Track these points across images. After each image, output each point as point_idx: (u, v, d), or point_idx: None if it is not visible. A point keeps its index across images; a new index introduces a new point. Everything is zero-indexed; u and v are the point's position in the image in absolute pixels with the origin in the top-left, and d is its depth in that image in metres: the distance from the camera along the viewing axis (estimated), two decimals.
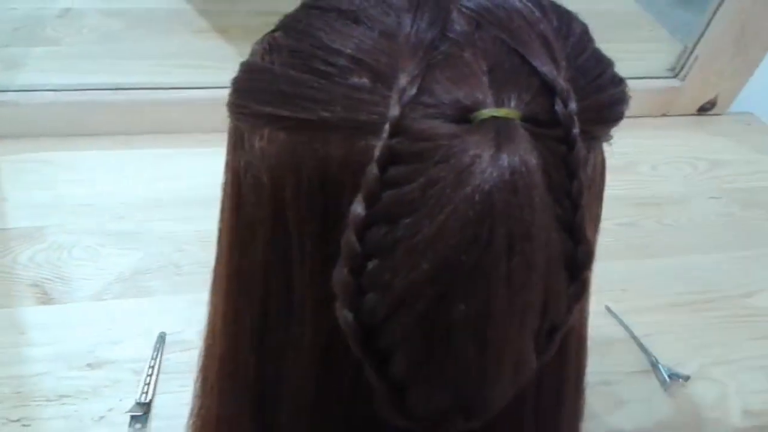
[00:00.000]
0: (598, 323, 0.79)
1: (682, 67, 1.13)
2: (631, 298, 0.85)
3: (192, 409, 0.47)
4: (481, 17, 0.34)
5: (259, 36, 0.38)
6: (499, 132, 0.30)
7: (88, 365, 0.69)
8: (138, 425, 0.64)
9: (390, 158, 0.31)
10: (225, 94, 0.38)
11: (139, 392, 0.67)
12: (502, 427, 0.38)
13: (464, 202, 0.29)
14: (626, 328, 0.80)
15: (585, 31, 0.38)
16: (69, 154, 0.96)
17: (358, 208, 0.31)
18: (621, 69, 0.38)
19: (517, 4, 0.35)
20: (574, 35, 0.36)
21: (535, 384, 0.39)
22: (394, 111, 0.31)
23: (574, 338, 0.43)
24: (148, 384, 0.67)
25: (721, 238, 0.96)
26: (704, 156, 1.11)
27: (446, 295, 0.31)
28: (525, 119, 0.31)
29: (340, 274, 0.32)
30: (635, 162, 1.08)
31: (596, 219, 0.42)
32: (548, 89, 0.32)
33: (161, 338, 0.72)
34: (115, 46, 1.16)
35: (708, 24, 1.07)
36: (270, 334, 0.39)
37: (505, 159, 0.29)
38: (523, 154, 0.29)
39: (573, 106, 0.32)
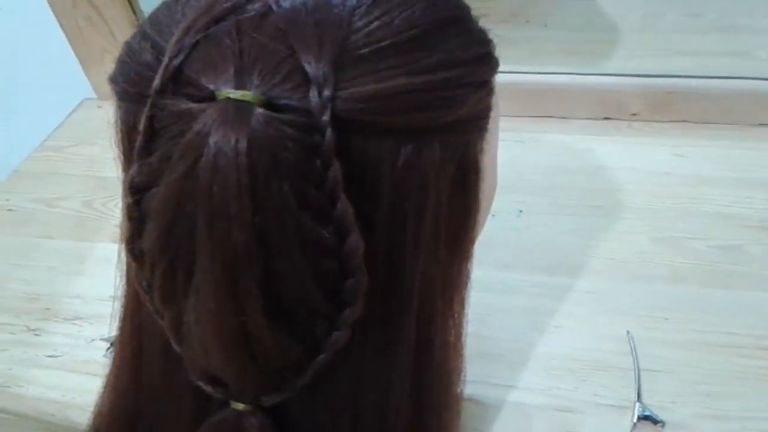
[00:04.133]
0: (604, 347, 0.73)
1: None
2: (668, 328, 0.73)
3: None
4: (278, 5, 0.35)
5: None
6: (223, 113, 0.32)
7: (111, 297, 0.81)
8: (111, 352, 0.69)
9: (152, 130, 0.34)
10: None
11: None
12: (313, 412, 0.40)
13: (179, 178, 0.32)
14: (634, 358, 0.71)
15: (416, 17, 0.37)
16: None
17: (132, 173, 0.35)
18: None
19: None
20: (384, 21, 0.35)
21: (351, 378, 0.40)
22: (155, 85, 0.34)
23: (408, 340, 0.41)
24: None
25: None
26: None
27: (174, 264, 0.35)
28: (267, 104, 0.32)
29: (126, 234, 0.37)
30: None
31: (447, 219, 0.40)
32: (305, 75, 0.33)
33: None
34: None
35: None
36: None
37: (213, 140, 0.31)
38: (234, 137, 0.31)
39: (326, 93, 0.32)
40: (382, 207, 0.35)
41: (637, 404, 0.66)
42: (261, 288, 0.33)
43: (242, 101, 0.31)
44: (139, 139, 0.34)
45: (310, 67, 0.32)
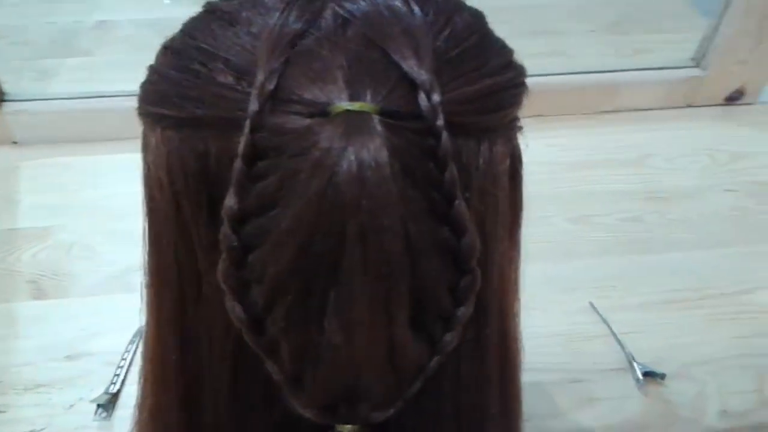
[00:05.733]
0: (578, 320, 0.79)
1: (703, 56, 1.09)
2: (620, 295, 0.83)
3: (136, 400, 0.48)
4: (352, 15, 0.35)
5: None
6: (349, 126, 0.31)
7: (67, 357, 0.73)
8: (104, 414, 0.67)
9: (255, 153, 0.32)
10: None
11: (109, 383, 0.69)
12: (418, 420, 0.40)
13: (316, 195, 0.30)
14: (607, 324, 0.79)
15: (470, 23, 0.38)
16: (87, 158, 1.00)
17: (230, 201, 0.32)
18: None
19: (390, 1, 0.36)
20: (452, 28, 0.37)
21: (453, 379, 0.40)
22: (253, 106, 0.32)
23: (494, 334, 0.42)
24: (118, 375, 0.70)
25: (727, 233, 0.92)
26: (726, 147, 1.06)
27: (310, 284, 0.32)
28: (382, 112, 0.32)
29: (222, 266, 0.33)
30: (648, 154, 1.04)
31: (508, 213, 0.41)
32: (410, 82, 0.33)
33: (139, 332, 0.74)
34: (146, 56, 1.21)
35: (725, 11, 1.03)
36: (188, 323, 0.40)
37: (352, 152, 0.30)
38: (372, 147, 0.30)
39: (436, 98, 0.32)
40: (470, 204, 0.37)
41: (635, 364, 0.73)
42: (409, 296, 0.33)
43: (360, 112, 0.32)
44: (238, 164, 0.33)
45: (415, 74, 0.33)
